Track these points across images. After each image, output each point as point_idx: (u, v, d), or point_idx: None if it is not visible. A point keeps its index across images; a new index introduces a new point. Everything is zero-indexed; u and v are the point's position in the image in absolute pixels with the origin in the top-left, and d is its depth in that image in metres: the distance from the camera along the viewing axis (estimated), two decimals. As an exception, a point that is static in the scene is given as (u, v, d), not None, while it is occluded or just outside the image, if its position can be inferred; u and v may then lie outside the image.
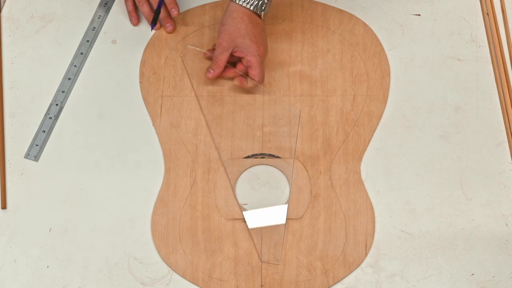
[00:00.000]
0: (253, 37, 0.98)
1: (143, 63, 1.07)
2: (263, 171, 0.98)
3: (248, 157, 0.99)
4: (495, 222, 0.95)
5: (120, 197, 0.97)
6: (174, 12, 1.07)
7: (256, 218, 0.94)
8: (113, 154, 1.00)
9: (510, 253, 0.93)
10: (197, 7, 1.11)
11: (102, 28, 1.10)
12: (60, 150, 1.00)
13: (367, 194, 0.96)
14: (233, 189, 0.97)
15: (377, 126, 1.01)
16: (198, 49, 1.06)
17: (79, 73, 1.06)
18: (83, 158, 0.99)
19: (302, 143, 1.00)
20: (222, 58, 1.00)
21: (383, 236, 0.94)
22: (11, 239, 0.94)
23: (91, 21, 1.11)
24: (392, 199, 0.96)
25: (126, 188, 0.97)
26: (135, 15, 1.10)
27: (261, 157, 0.99)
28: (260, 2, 0.99)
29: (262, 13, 0.99)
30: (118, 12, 1.12)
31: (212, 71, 1.01)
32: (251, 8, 0.98)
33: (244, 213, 0.94)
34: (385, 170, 0.98)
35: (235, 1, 0.99)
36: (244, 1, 0.98)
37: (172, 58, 1.06)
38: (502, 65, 1.05)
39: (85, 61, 1.07)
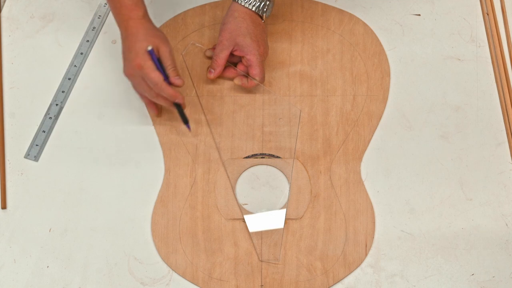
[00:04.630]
0: (254, 36, 0.98)
1: (143, 63, 1.06)
2: (263, 171, 0.98)
3: (248, 157, 0.99)
4: (495, 222, 0.95)
5: (120, 197, 0.97)
6: (178, 81, 0.93)
7: (256, 222, 0.94)
8: (113, 154, 1.00)
9: (510, 253, 0.93)
10: (197, 7, 1.11)
11: (102, 28, 1.10)
12: (60, 150, 1.00)
13: (367, 194, 0.96)
14: (233, 189, 0.97)
15: (377, 126, 1.01)
16: (200, 45, 1.06)
17: (79, 73, 1.06)
18: (83, 158, 0.99)
19: (302, 143, 1.00)
20: (222, 56, 1.00)
21: (383, 236, 0.94)
22: (11, 239, 0.94)
23: (91, 21, 1.11)
24: (392, 199, 0.96)
25: (126, 188, 0.97)
26: (153, 106, 1.00)
27: (261, 157, 0.99)
28: (262, 4, 0.99)
29: (264, 15, 1.00)
30: (118, 12, 1.11)
31: (213, 70, 1.01)
32: (253, 9, 0.98)
33: (245, 216, 0.94)
34: (385, 170, 0.98)
35: (237, 1, 0.99)
36: (246, 2, 0.98)
37: (172, 58, 1.06)
38: (502, 65, 1.05)
39: (85, 61, 1.07)
